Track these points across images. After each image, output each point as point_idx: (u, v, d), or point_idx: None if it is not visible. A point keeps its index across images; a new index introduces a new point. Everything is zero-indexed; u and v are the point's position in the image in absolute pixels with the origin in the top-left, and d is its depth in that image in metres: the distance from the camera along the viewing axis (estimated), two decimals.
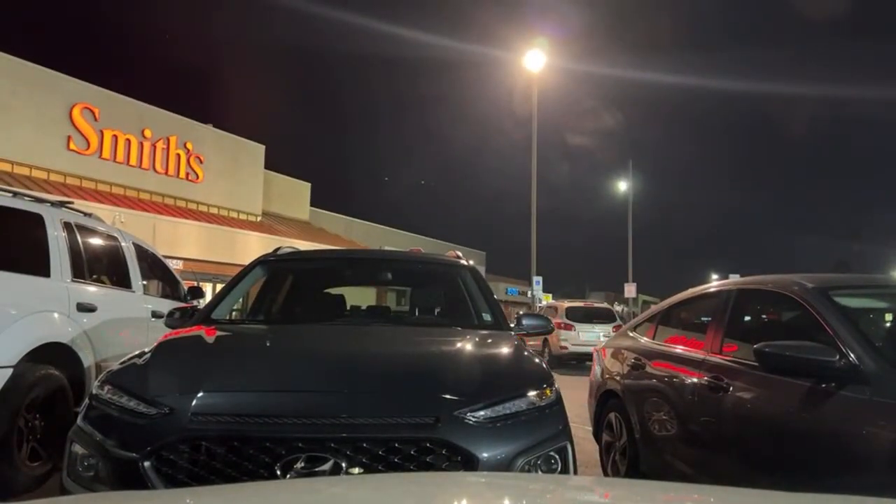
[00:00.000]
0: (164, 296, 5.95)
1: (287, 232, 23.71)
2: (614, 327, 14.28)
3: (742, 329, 3.56)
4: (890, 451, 2.20)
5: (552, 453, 2.27)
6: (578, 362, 14.72)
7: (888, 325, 3.45)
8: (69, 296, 4.24)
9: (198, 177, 21.54)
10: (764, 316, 3.92)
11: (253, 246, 19.04)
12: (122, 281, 5.21)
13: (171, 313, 3.60)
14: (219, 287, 8.66)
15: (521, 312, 4.16)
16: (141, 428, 2.13)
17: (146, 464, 2.02)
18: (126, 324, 4.98)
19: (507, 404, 2.30)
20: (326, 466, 1.99)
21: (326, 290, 4.63)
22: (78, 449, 2.22)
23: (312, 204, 28.94)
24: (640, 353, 4.25)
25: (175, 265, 11.75)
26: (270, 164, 25.53)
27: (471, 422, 2.19)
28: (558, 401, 2.47)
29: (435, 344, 3.02)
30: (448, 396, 2.26)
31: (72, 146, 17.59)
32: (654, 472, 3.79)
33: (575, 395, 5.33)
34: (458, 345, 2.92)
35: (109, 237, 5.21)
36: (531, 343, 14.02)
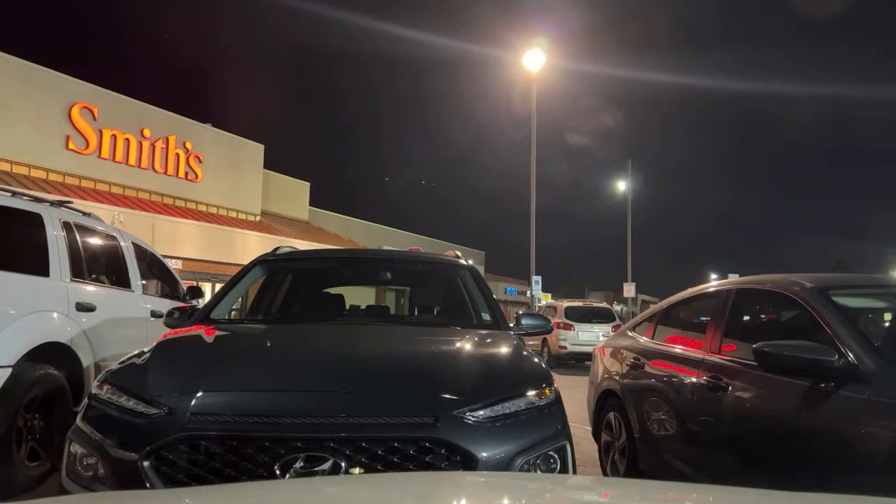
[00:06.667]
0: (164, 295, 5.95)
1: (286, 231, 23.71)
2: (613, 327, 14.29)
3: (741, 329, 3.56)
4: (889, 451, 2.20)
5: (551, 453, 2.27)
6: (577, 362, 14.74)
7: (887, 324, 3.45)
8: (68, 295, 4.24)
9: (197, 176, 21.52)
10: (763, 316, 3.92)
11: (252, 245, 19.04)
12: (122, 280, 5.20)
13: (170, 313, 3.60)
14: (218, 287, 8.66)
15: (520, 312, 4.16)
16: (140, 427, 2.12)
17: (145, 463, 2.02)
18: (125, 323, 4.97)
19: (506, 404, 2.30)
20: (326, 466, 1.98)
21: (325, 290, 4.62)
22: (77, 448, 2.22)
23: (311, 203, 28.93)
24: (639, 352, 4.25)
25: (174, 265, 11.74)
26: (269, 164, 25.55)
27: (470, 421, 2.19)
28: (557, 400, 2.48)
29: (434, 343, 3.01)
30: (447, 396, 2.26)
31: (71, 145, 17.57)
32: (653, 471, 3.80)
33: (574, 395, 5.34)
34: (458, 344, 2.92)
35: (108, 237, 5.20)
36: (530, 343, 14.02)
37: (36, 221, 4.23)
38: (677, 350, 3.83)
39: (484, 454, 2.11)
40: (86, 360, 4.30)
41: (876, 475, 2.23)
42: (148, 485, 1.99)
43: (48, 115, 17.02)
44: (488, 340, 3.06)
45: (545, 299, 25.80)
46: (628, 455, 4.09)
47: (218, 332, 3.08)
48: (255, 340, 3.18)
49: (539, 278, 20.05)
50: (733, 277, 5.00)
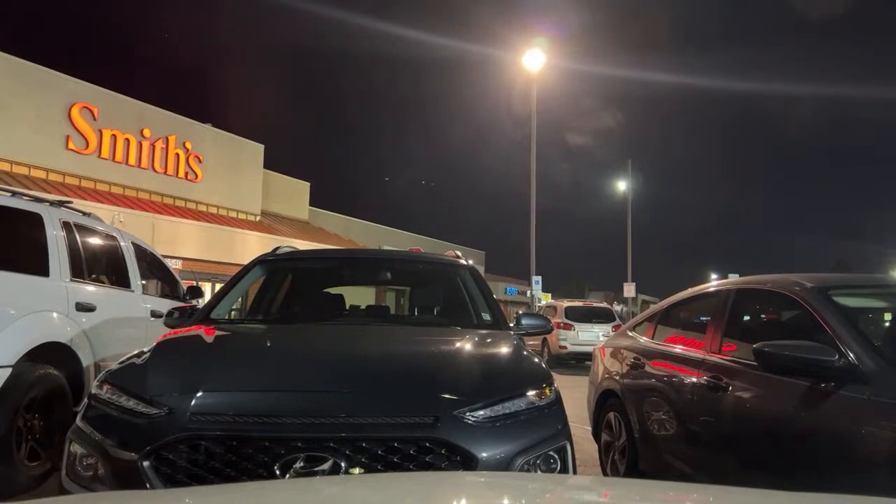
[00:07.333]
0: (164, 295, 5.95)
1: (286, 231, 23.71)
2: (613, 327, 14.29)
3: (741, 329, 3.56)
4: (889, 451, 2.20)
5: (551, 453, 2.27)
6: (577, 362, 14.74)
7: (887, 324, 3.45)
8: (68, 295, 4.24)
9: (197, 176, 21.53)
10: (763, 316, 3.92)
11: (252, 245, 19.04)
12: (121, 280, 5.20)
13: (170, 313, 3.60)
14: (218, 287, 8.66)
15: (520, 312, 4.16)
16: (140, 427, 2.12)
17: (145, 463, 2.02)
18: (125, 323, 4.97)
19: (506, 404, 2.30)
20: (326, 466, 1.98)
21: (325, 290, 4.62)
22: (77, 448, 2.22)
23: (311, 203, 28.94)
24: (639, 352, 4.25)
25: (174, 265, 11.74)
26: (269, 164, 25.56)
27: (470, 421, 2.19)
28: (557, 400, 2.47)
29: (434, 343, 3.01)
30: (447, 396, 2.26)
31: (71, 145, 17.57)
32: (653, 471, 3.80)
33: (574, 395, 5.33)
34: (458, 344, 2.92)
35: (108, 237, 5.20)
36: (530, 343, 14.03)
37: (36, 221, 4.23)
38: (677, 350, 3.82)
39: (484, 454, 2.11)
40: (86, 360, 4.30)
41: (876, 475, 2.23)
42: (148, 485, 1.99)
43: (48, 115, 17.02)
44: (488, 340, 3.06)
45: (545, 299, 25.80)
46: (628, 455, 4.09)
47: (218, 332, 3.08)
48: (255, 340, 3.18)
49: (539, 278, 20.05)
50: (733, 277, 5.00)
